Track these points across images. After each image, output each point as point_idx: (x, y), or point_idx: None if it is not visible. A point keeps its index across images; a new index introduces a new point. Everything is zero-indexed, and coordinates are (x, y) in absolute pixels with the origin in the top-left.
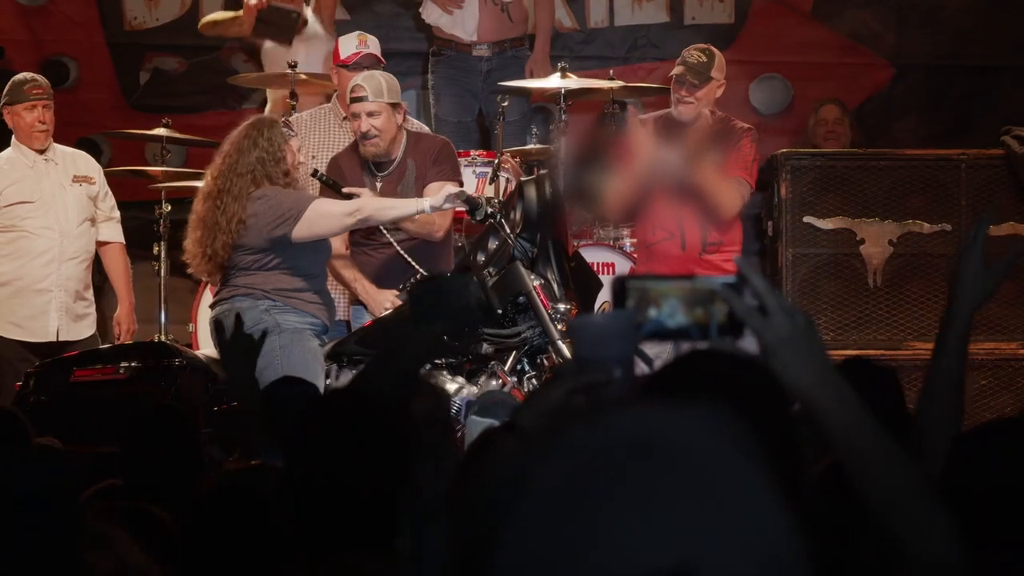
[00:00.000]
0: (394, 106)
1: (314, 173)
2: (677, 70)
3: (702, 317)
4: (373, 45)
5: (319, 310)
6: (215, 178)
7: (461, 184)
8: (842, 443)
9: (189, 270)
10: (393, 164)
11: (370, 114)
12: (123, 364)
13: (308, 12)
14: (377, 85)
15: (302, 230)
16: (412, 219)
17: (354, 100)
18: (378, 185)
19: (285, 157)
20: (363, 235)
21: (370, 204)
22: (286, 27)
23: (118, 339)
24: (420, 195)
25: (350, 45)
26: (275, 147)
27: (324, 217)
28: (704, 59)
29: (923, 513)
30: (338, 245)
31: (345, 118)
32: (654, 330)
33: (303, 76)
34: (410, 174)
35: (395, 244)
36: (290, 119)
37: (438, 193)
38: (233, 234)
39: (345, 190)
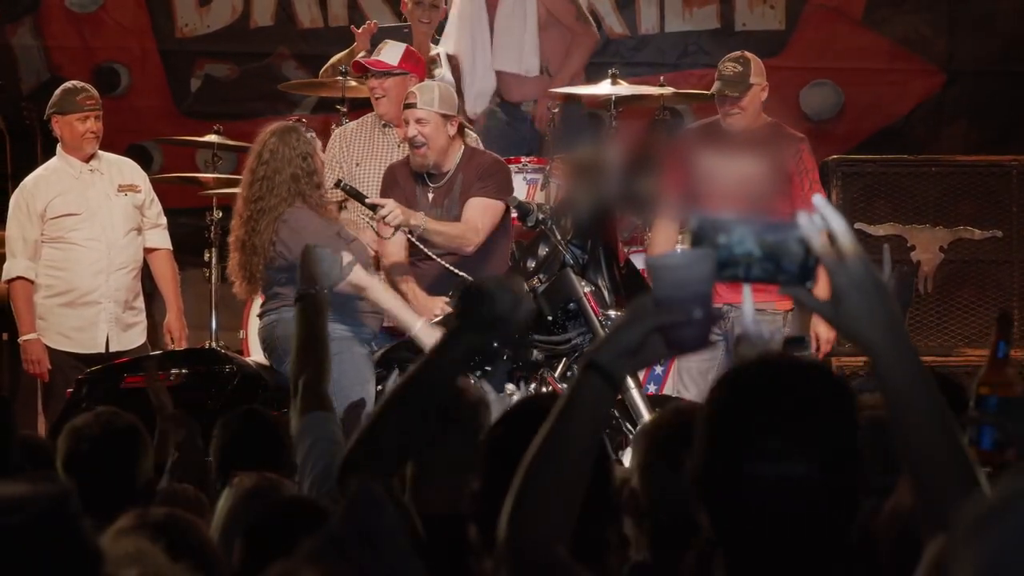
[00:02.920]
0: (446, 117)
1: (337, 183)
2: (715, 86)
3: (777, 263)
4: (387, 53)
5: (366, 318)
6: (249, 200)
7: (507, 201)
8: (900, 397)
9: (235, 290)
10: (445, 177)
11: (418, 121)
12: (173, 371)
13: (441, 53)
14: (430, 93)
15: None
16: (439, 232)
17: (406, 106)
18: (429, 196)
19: (318, 169)
20: (410, 250)
21: (374, 289)
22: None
23: (169, 346)
24: (463, 208)
25: (370, 55)
26: (308, 161)
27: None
28: (740, 68)
29: (966, 480)
30: (397, 251)
31: (386, 125)
32: (725, 257)
33: (353, 83)
34: (457, 188)
35: (436, 257)
36: (338, 128)
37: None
38: (268, 255)
39: (368, 201)
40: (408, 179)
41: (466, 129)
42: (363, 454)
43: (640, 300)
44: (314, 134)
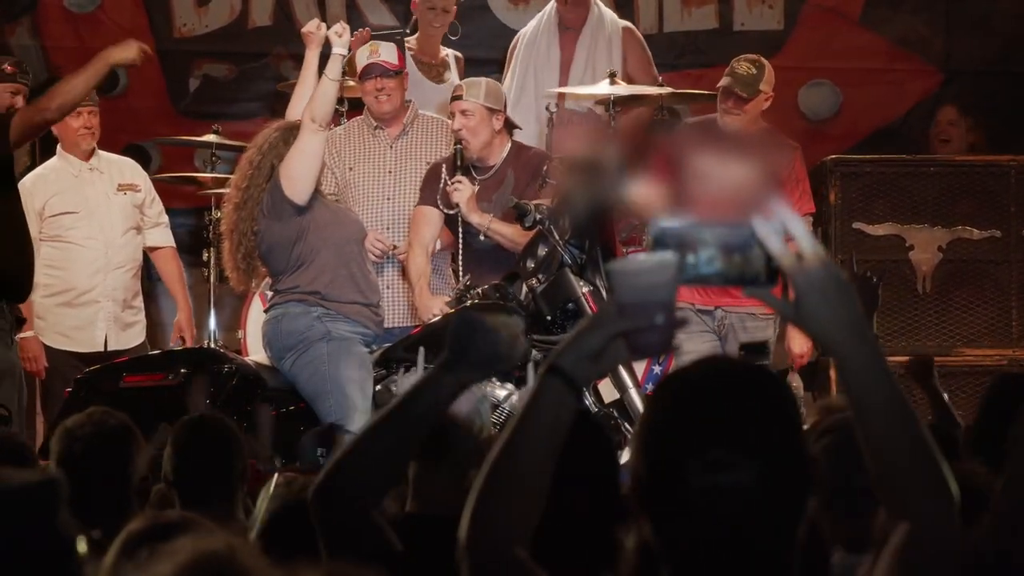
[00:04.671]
0: (491, 111)
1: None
2: (725, 81)
3: (740, 265)
4: (386, 52)
5: (369, 322)
6: (240, 188)
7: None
8: (863, 395)
9: (230, 282)
10: (492, 170)
11: (463, 112)
12: (173, 370)
13: (451, 56)
14: (476, 87)
15: (287, 183)
16: (503, 235)
17: (453, 99)
18: (475, 190)
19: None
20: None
21: (317, 109)
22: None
23: (175, 344)
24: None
25: (363, 56)
26: None
27: (292, 156)
28: (754, 71)
29: (928, 478)
30: (421, 247)
31: (376, 127)
32: (693, 276)
33: (352, 83)
34: (508, 183)
35: (460, 246)
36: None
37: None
38: (253, 240)
39: (455, 179)
40: (452, 172)
41: (513, 124)
42: (340, 480)
43: (603, 306)
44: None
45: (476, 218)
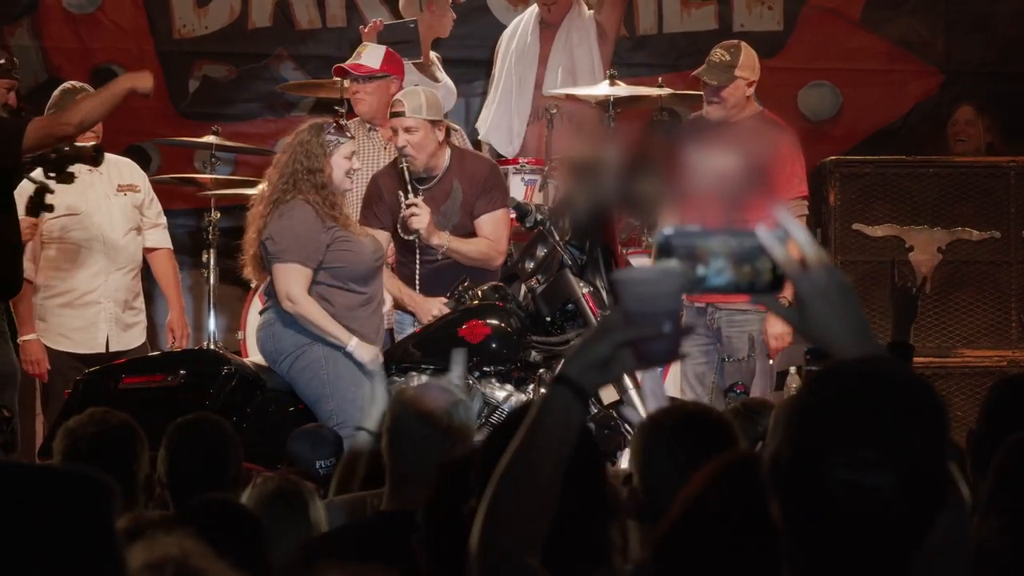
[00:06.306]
0: (434, 123)
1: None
2: (700, 69)
3: (748, 274)
4: (367, 56)
5: (366, 327)
6: (271, 183)
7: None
8: None
9: (244, 270)
10: (435, 180)
11: (407, 130)
12: (172, 371)
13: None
14: (416, 101)
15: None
16: (460, 252)
17: (393, 115)
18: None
19: (322, 168)
20: (403, 252)
21: (312, 310)
22: (410, 40)
23: (171, 345)
24: (464, 219)
25: (351, 59)
26: (312, 158)
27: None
28: (727, 58)
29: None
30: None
31: (371, 129)
32: (704, 287)
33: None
34: (455, 196)
35: (417, 265)
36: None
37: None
38: (260, 241)
39: (408, 200)
40: (393, 191)
41: (451, 128)
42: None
43: (609, 314)
44: (340, 136)
45: (436, 240)
